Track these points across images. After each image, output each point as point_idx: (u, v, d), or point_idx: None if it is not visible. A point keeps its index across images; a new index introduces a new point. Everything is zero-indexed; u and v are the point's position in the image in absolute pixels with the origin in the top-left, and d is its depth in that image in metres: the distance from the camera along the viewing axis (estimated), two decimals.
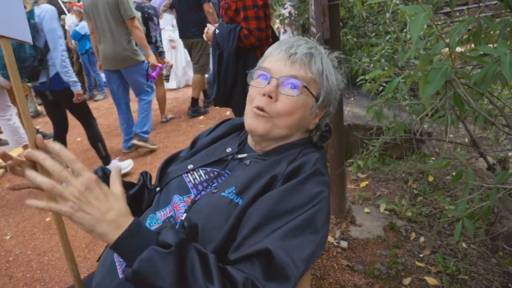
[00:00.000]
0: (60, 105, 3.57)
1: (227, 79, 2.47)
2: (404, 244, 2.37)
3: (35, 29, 3.02)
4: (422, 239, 2.40)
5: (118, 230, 0.76)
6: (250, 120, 1.06)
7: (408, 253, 2.29)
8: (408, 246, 2.35)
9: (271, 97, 1.02)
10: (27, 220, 3.18)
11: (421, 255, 2.27)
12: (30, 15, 2.99)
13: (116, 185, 0.82)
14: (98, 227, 0.74)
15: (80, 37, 7.00)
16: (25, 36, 1.06)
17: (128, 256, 0.76)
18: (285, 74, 1.02)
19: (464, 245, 2.31)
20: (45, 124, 6.12)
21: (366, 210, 2.70)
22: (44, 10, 3.07)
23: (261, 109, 1.03)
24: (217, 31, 2.49)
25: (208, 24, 2.67)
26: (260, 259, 0.84)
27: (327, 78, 1.07)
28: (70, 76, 3.21)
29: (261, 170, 1.02)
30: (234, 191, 0.98)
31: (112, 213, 0.76)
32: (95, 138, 3.69)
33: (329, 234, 2.49)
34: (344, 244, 2.36)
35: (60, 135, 3.76)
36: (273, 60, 1.07)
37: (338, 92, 1.13)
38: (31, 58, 3.06)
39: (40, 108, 6.91)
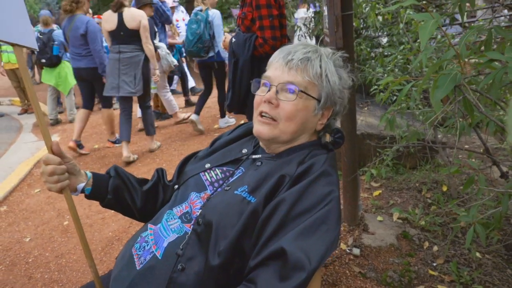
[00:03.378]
0: (211, 73, 5.13)
1: (242, 86, 2.53)
2: (417, 252, 2.36)
3: (210, 23, 4.77)
4: (435, 248, 2.39)
5: None
6: (256, 126, 1.13)
7: (421, 262, 2.28)
8: (421, 255, 2.34)
9: (272, 103, 1.09)
10: (45, 223, 3.27)
11: (435, 264, 2.26)
12: (206, 14, 4.76)
13: None
14: None
15: None
16: (32, 43, 1.15)
17: None
18: (283, 81, 1.09)
19: (478, 255, 2.29)
20: (64, 132, 6.28)
21: (379, 218, 2.70)
22: (215, 13, 4.85)
23: (265, 113, 1.10)
24: (233, 40, 2.56)
25: (225, 33, 2.76)
26: (275, 260, 0.88)
27: (328, 79, 1.12)
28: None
29: (272, 170, 1.07)
30: (246, 190, 1.04)
31: None
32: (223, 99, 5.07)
33: (341, 241, 2.50)
34: (356, 251, 2.36)
35: (208, 92, 5.24)
36: (273, 68, 1.14)
37: (344, 90, 1.17)
38: (207, 41, 4.72)
39: (59, 116, 7.08)
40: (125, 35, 4.23)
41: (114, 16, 4.21)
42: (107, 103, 4.98)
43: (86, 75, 4.79)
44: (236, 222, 0.97)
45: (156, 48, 5.07)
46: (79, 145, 4.99)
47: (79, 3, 4.50)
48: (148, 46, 4.28)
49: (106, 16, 4.28)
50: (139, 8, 4.78)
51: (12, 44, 1.09)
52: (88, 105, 4.98)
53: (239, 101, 2.59)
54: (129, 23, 4.19)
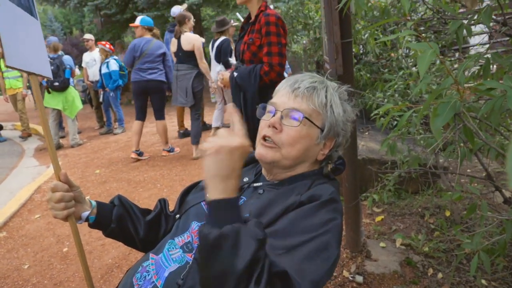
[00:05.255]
0: None
1: (255, 118, 2.54)
2: (422, 280, 2.32)
3: None
4: (440, 275, 2.34)
5: (227, 193, 0.83)
6: (259, 149, 1.14)
7: None
8: (425, 282, 2.30)
9: (276, 128, 1.09)
10: (45, 250, 3.23)
11: None
12: None
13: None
14: (218, 179, 0.84)
15: (108, 74, 7.25)
16: (47, 72, 1.21)
17: (219, 218, 0.81)
18: (288, 107, 1.10)
19: (484, 282, 2.24)
20: (65, 156, 6.29)
21: (382, 244, 2.67)
22: None
23: (268, 138, 1.11)
24: (235, 74, 2.59)
25: (220, 72, 2.78)
26: (280, 279, 0.86)
27: (332, 109, 1.13)
28: None
29: (274, 198, 1.07)
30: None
31: (234, 178, 0.85)
32: None
33: (344, 268, 2.46)
34: (359, 279, 2.32)
35: None
36: (280, 95, 1.16)
37: (348, 123, 1.18)
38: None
39: (61, 141, 7.12)
40: (182, 56, 5.20)
41: (176, 41, 5.29)
42: (161, 115, 5.60)
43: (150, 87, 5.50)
44: None
45: (231, 65, 5.58)
46: (140, 154, 5.70)
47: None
48: (202, 64, 5.18)
49: (173, 41, 5.49)
50: (219, 32, 5.85)
51: (29, 73, 1.12)
52: (141, 117, 5.62)
53: (253, 133, 2.60)
54: (185, 46, 5.13)
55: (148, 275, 1.05)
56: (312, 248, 0.92)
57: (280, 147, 1.10)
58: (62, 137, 7.66)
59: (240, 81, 2.56)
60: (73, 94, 6.79)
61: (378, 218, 3.08)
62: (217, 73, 5.50)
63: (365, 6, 1.57)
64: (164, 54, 5.45)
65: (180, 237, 1.12)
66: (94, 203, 1.24)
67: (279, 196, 1.07)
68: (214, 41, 5.92)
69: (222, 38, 5.79)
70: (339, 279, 2.36)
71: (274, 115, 1.12)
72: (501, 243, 1.49)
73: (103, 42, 7.48)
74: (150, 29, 5.47)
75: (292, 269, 0.86)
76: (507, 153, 0.24)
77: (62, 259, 3.05)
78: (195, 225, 1.12)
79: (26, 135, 7.96)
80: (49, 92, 6.57)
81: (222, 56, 5.69)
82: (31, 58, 1.13)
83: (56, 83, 6.44)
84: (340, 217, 1.02)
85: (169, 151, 5.79)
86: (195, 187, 1.36)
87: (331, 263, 0.93)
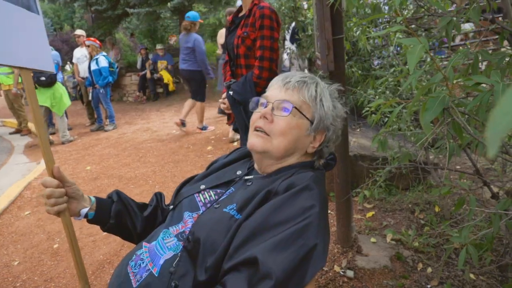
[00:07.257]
0: None
1: None
2: (411, 274, 2.35)
3: None
4: (429, 269, 2.37)
5: None
6: (251, 139, 1.17)
7: (416, 284, 2.27)
8: (415, 277, 2.33)
9: (267, 119, 1.14)
10: (35, 246, 3.21)
11: (429, 286, 2.24)
12: None
13: None
14: None
15: (98, 71, 7.19)
16: (49, 67, 1.20)
17: None
18: (279, 98, 1.15)
19: (472, 276, 2.28)
20: (56, 153, 6.24)
21: (373, 239, 2.69)
22: None
23: (260, 128, 1.14)
24: (230, 92, 2.58)
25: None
26: (247, 267, 0.90)
27: (322, 103, 1.17)
28: None
29: (260, 188, 1.10)
30: (235, 208, 1.06)
31: None
32: None
33: (335, 263, 2.48)
34: (350, 273, 2.35)
35: None
36: (272, 89, 1.21)
37: (338, 119, 1.22)
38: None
39: (52, 138, 7.06)
40: None
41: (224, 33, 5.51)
42: (201, 97, 6.47)
43: (185, 75, 6.46)
44: (223, 239, 0.99)
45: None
46: (183, 123, 6.55)
47: (194, 25, 6.35)
48: None
49: (222, 32, 5.95)
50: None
51: (21, 68, 1.11)
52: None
53: None
54: None
55: (143, 263, 1.07)
56: (286, 235, 0.93)
57: (271, 137, 1.13)
58: (52, 133, 7.59)
59: (238, 96, 2.53)
60: (61, 90, 6.69)
61: (369, 214, 3.10)
62: (287, 53, 5.92)
63: (357, 2, 1.58)
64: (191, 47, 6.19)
65: (175, 227, 1.14)
66: (93, 199, 1.25)
67: (264, 186, 1.10)
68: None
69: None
70: (330, 273, 2.38)
71: (265, 107, 1.16)
72: (488, 237, 1.52)
73: (92, 39, 7.42)
74: (194, 23, 6.29)
75: (264, 256, 0.88)
76: (488, 120, 0.25)
77: (53, 256, 3.03)
78: (186, 215, 1.15)
79: (26, 132, 7.87)
80: (35, 88, 6.49)
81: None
82: (27, 53, 1.12)
83: (43, 78, 6.34)
84: (318, 204, 1.01)
85: (201, 129, 6.59)
86: (191, 180, 1.39)
87: (306, 250, 0.93)
